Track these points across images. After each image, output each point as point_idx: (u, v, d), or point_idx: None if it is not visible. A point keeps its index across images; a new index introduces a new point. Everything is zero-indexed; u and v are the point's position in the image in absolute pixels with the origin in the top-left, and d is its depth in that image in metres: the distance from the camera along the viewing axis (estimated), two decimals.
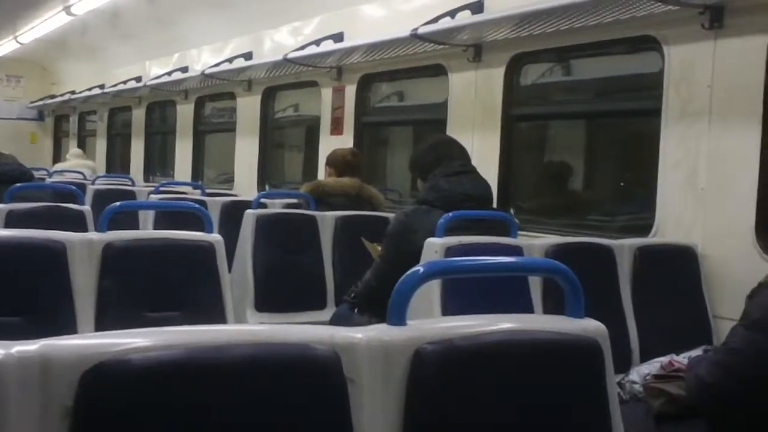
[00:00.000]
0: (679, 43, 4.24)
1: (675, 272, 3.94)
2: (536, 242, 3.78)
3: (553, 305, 3.33)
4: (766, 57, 3.80)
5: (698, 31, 4.07)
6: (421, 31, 5.50)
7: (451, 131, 5.59)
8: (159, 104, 11.15)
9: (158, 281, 2.96)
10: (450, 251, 3.32)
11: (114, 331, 1.36)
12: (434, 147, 3.91)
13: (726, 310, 3.79)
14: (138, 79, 10.71)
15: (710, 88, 4.05)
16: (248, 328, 1.53)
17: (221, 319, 3.03)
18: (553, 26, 4.78)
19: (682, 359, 2.68)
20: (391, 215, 4.40)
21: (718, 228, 4.00)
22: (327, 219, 4.96)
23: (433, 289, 3.23)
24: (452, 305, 3.20)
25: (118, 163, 12.51)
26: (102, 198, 6.42)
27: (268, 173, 8.54)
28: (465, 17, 5.34)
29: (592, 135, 5.68)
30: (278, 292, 4.75)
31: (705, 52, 4.08)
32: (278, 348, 1.39)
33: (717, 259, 3.96)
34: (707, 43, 4.07)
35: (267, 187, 8.31)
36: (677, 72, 4.24)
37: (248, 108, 8.62)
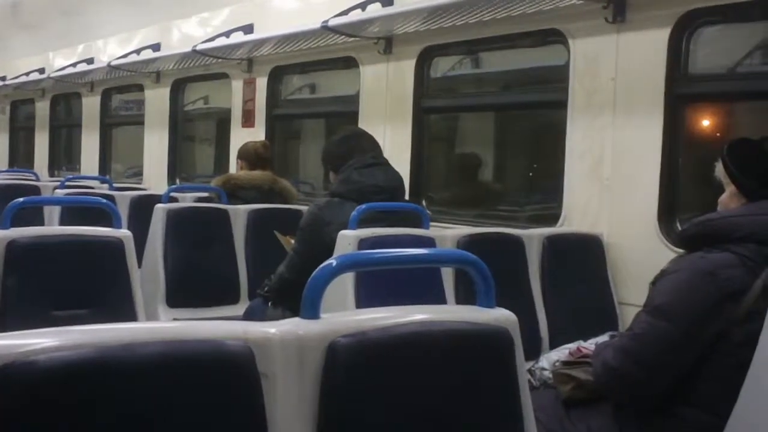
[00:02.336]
0: (583, 36, 4.34)
1: (582, 261, 4.05)
2: (448, 233, 3.82)
3: (465, 295, 3.38)
4: (667, 50, 3.92)
5: (602, 24, 4.18)
6: (331, 23, 5.49)
7: (363, 123, 5.61)
8: (64, 96, 10.83)
9: (65, 279, 2.88)
10: (363, 243, 3.33)
11: (19, 332, 1.32)
12: (346, 139, 3.92)
13: (631, 296, 3.91)
14: (41, 70, 10.37)
15: (614, 81, 4.16)
16: (159, 325, 1.51)
17: (131, 316, 2.97)
18: (462, 19, 4.84)
19: (589, 345, 2.75)
20: (303, 208, 4.38)
21: (622, 217, 4.12)
22: (239, 213, 4.92)
23: (346, 282, 3.24)
24: (366, 297, 3.22)
25: (21, 157, 12.11)
26: (4, 194, 6.18)
27: (178, 167, 8.40)
28: (376, 10, 5.36)
29: (501, 127, 5.77)
30: (190, 288, 4.68)
31: (608, 46, 4.19)
32: (190, 345, 1.37)
33: (622, 247, 4.08)
34: (611, 37, 4.18)
35: (177, 181, 8.18)
36: (582, 65, 4.34)
37: (157, 100, 8.46)
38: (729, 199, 2.54)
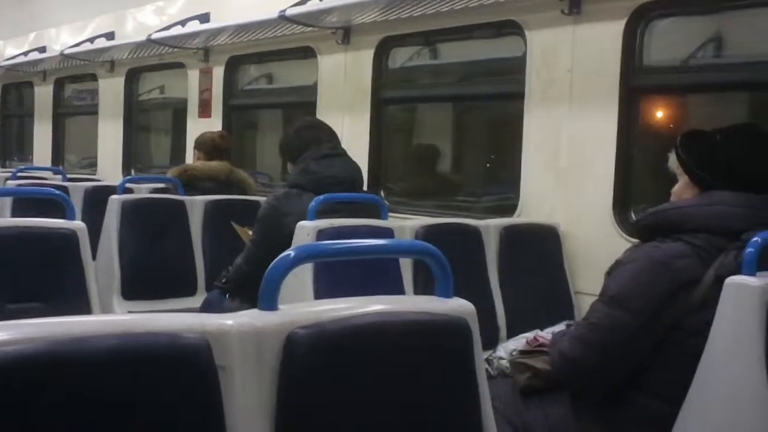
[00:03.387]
0: (540, 28, 4.37)
1: (539, 251, 4.08)
2: (406, 224, 3.83)
3: (424, 286, 3.39)
4: (622, 42, 3.97)
5: (558, 16, 4.21)
6: (289, 12, 5.46)
7: (321, 114, 5.59)
8: (15, 86, 10.65)
9: (17, 272, 2.83)
10: (321, 234, 3.33)
11: None
12: (304, 130, 3.90)
13: (587, 286, 3.96)
14: None
15: (570, 73, 4.20)
16: (113, 318, 1.49)
17: (86, 309, 2.93)
18: (420, 10, 4.84)
19: (546, 334, 2.77)
20: (261, 199, 4.36)
21: (578, 207, 4.17)
22: (196, 204, 4.88)
23: (305, 273, 3.23)
24: (324, 288, 3.21)
25: None
26: None
27: (133, 157, 8.31)
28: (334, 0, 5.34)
29: (459, 118, 5.79)
30: (146, 280, 4.64)
31: (565, 38, 4.22)
32: (145, 338, 1.36)
33: (578, 237, 4.13)
34: (567, 29, 4.21)
35: (133, 172, 8.10)
36: (539, 57, 4.37)
37: (111, 90, 8.35)
38: (682, 190, 2.57)
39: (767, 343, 2.19)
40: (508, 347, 2.90)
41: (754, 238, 2.26)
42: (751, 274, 2.22)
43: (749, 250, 2.24)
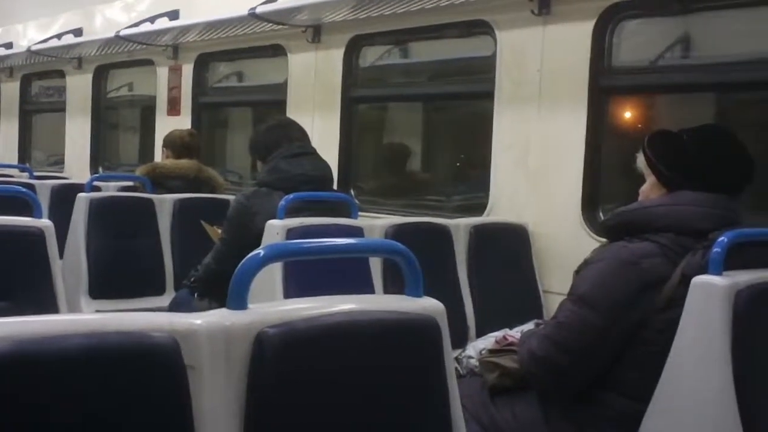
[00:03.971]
0: (510, 28, 4.39)
1: (508, 250, 4.10)
2: (376, 223, 3.83)
3: (393, 285, 3.39)
4: (591, 43, 4.00)
5: (528, 17, 4.23)
6: (259, 10, 5.43)
7: (291, 112, 5.58)
8: None
9: None
10: (291, 233, 3.32)
11: None
12: (274, 128, 3.89)
13: (555, 285, 3.98)
14: None
15: (539, 73, 4.22)
16: (80, 317, 1.47)
17: (53, 308, 2.90)
18: (390, 9, 4.84)
19: (515, 333, 2.78)
20: (231, 198, 4.34)
21: (547, 207, 4.19)
22: (165, 202, 4.85)
23: (274, 272, 3.22)
24: (294, 288, 3.21)
25: None
26: None
27: (101, 155, 8.24)
28: None
29: (430, 117, 5.80)
30: (114, 279, 4.60)
31: (534, 38, 4.24)
32: (113, 337, 1.34)
33: (547, 236, 4.15)
34: (536, 29, 4.23)
35: (101, 170, 8.02)
36: (509, 56, 4.39)
37: (79, 87, 8.26)
38: (649, 190, 2.60)
39: (733, 341, 2.22)
40: (478, 346, 2.91)
41: (721, 238, 2.29)
42: (718, 273, 2.25)
43: (716, 249, 2.27)
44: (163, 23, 6.61)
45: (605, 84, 4.04)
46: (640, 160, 2.63)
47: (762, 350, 2.30)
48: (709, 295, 2.24)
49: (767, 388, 2.31)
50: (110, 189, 5.83)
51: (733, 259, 2.29)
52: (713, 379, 2.23)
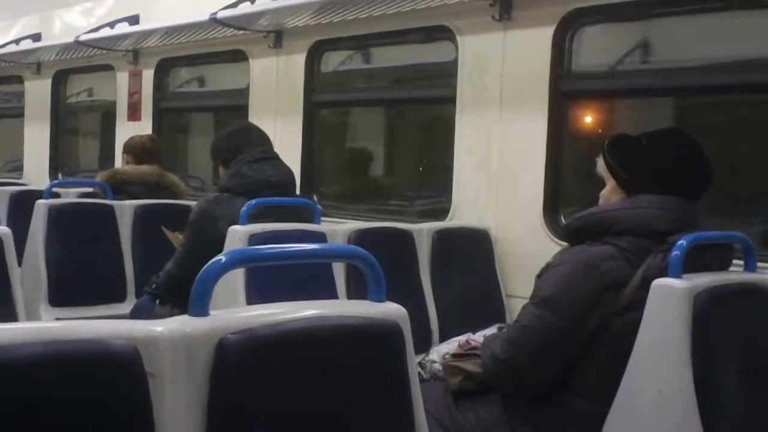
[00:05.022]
0: (471, 33, 4.41)
1: (470, 254, 4.12)
2: (339, 228, 3.83)
3: (356, 290, 3.39)
4: (551, 48, 4.03)
5: (489, 22, 4.25)
6: (220, 15, 5.41)
7: (253, 118, 5.55)
8: None
9: None
10: (254, 239, 3.30)
11: None
12: (235, 133, 3.88)
13: (518, 289, 4.00)
14: None
15: (501, 78, 4.25)
16: (38, 325, 1.45)
17: (11, 316, 2.85)
18: (352, 14, 4.85)
19: (478, 337, 2.79)
20: (192, 203, 4.30)
21: (509, 211, 4.22)
22: (125, 208, 4.80)
23: (237, 278, 3.20)
24: (257, 294, 3.19)
25: None
26: None
27: (61, 161, 8.14)
28: (265, 3, 5.31)
29: (392, 122, 5.82)
30: (74, 286, 4.54)
31: (496, 43, 4.27)
32: (71, 345, 1.32)
33: (509, 240, 4.18)
34: (498, 34, 4.26)
35: (60, 176, 7.93)
36: (470, 61, 4.41)
37: (38, 92, 8.16)
38: (609, 194, 2.62)
39: (693, 343, 2.25)
40: (441, 350, 2.91)
41: (680, 241, 2.32)
42: (677, 276, 2.28)
43: (675, 252, 2.30)
44: (123, 28, 6.55)
45: (565, 89, 4.07)
46: (600, 165, 2.66)
47: (720, 351, 2.34)
48: (669, 297, 2.27)
49: (726, 389, 2.34)
50: (70, 195, 5.75)
51: (692, 262, 2.32)
52: (673, 380, 2.26)
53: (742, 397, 2.37)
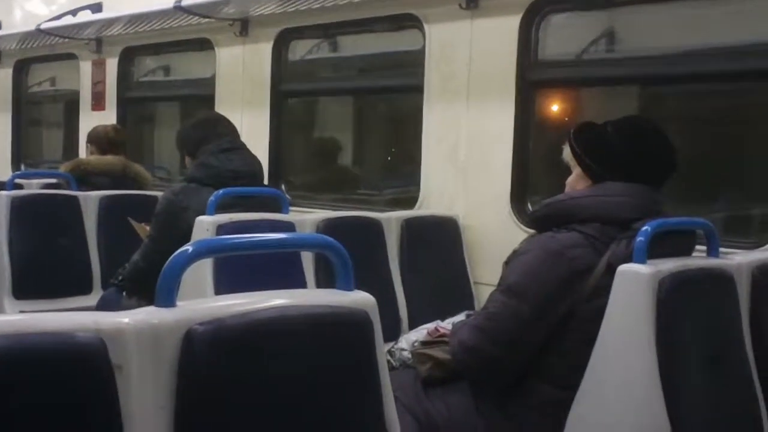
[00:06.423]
0: (438, 22, 4.41)
1: (439, 242, 4.13)
2: (308, 217, 3.82)
3: (325, 279, 3.39)
4: (518, 37, 4.04)
5: (456, 10, 4.26)
6: (184, 3, 5.36)
7: (220, 107, 5.52)
8: None
9: None
10: (221, 229, 3.28)
11: None
12: (202, 123, 3.85)
13: (486, 276, 4.02)
14: None
15: (468, 67, 4.25)
16: (2, 318, 1.42)
17: None
18: (319, 2, 4.83)
19: (446, 325, 2.80)
20: (159, 194, 4.27)
21: (477, 199, 4.23)
22: (90, 199, 4.75)
23: (204, 269, 3.19)
24: (225, 284, 3.17)
25: None
26: None
27: (23, 152, 8.03)
28: None
29: (360, 111, 5.81)
30: (39, 279, 4.49)
31: (463, 32, 4.28)
32: (35, 338, 1.31)
33: (477, 228, 4.19)
34: (465, 23, 4.27)
35: (23, 167, 7.82)
36: (437, 50, 4.41)
37: None
38: (575, 181, 2.64)
39: (657, 328, 2.27)
40: (410, 338, 2.92)
41: (644, 227, 2.34)
42: (642, 261, 2.30)
43: (639, 238, 2.32)
44: (86, 16, 6.47)
45: (532, 77, 4.09)
46: (566, 152, 2.67)
47: (684, 336, 2.36)
48: (634, 283, 2.29)
49: (690, 373, 2.37)
50: (33, 187, 5.68)
51: (657, 248, 2.34)
52: (639, 365, 2.28)
53: (705, 382, 2.40)
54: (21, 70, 7.93)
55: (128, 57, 6.70)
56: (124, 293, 3.86)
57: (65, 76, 7.65)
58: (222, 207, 3.42)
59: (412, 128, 4.60)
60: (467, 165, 4.27)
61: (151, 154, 7.26)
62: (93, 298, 4.45)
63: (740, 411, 2.52)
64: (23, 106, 8.07)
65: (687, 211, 3.13)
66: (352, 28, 5.15)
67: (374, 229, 3.90)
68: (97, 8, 6.52)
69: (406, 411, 2.54)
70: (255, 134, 5.20)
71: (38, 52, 7.48)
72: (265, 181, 4.11)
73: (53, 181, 5.54)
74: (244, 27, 5.52)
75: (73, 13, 6.59)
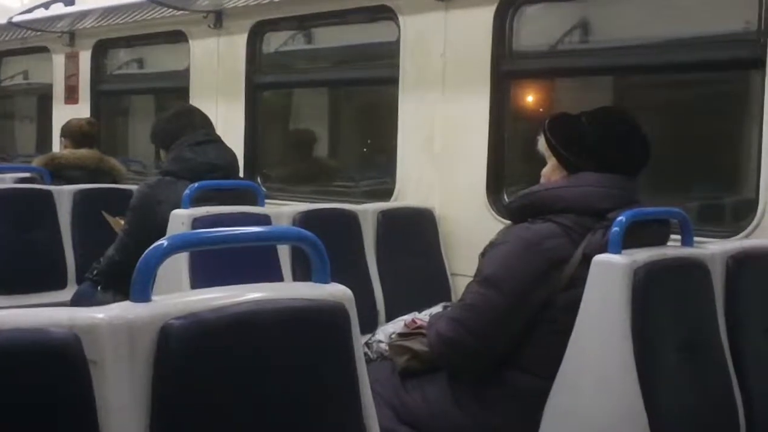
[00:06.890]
0: (413, 13, 4.41)
1: (415, 234, 4.14)
2: (284, 210, 3.81)
3: (302, 272, 3.38)
4: (492, 28, 4.05)
5: (431, 2, 4.26)
6: None
7: (194, 100, 5.49)
8: None
9: None
10: (197, 222, 3.27)
11: None
12: (177, 116, 3.83)
13: (462, 267, 4.04)
14: None
15: (443, 58, 4.26)
16: None
17: None
18: None
19: (423, 316, 2.81)
20: (133, 188, 4.24)
21: (453, 191, 4.24)
22: (64, 193, 4.71)
23: (180, 263, 3.17)
24: (201, 279, 3.16)
25: None
26: None
27: None
28: None
29: (336, 103, 5.79)
30: (12, 274, 4.45)
31: (437, 23, 4.27)
32: (8, 334, 1.29)
33: (453, 220, 4.20)
34: (439, 14, 4.27)
35: None
36: (412, 42, 4.41)
37: None
38: (551, 172, 2.65)
39: (633, 317, 2.29)
40: (387, 330, 2.92)
41: (619, 218, 2.35)
42: (617, 252, 2.32)
43: (614, 229, 2.33)
44: (59, 9, 6.40)
45: (507, 69, 4.10)
46: (541, 143, 2.68)
47: (659, 326, 2.38)
48: (609, 273, 2.31)
49: (665, 363, 2.39)
50: (6, 181, 5.61)
51: (632, 238, 2.36)
52: (615, 355, 2.30)
53: (680, 370, 2.42)
54: None
55: (102, 50, 6.64)
56: (99, 288, 3.84)
57: (38, 69, 7.57)
58: (197, 200, 3.41)
59: (388, 120, 4.60)
60: (443, 156, 4.28)
61: (125, 148, 7.20)
62: (67, 294, 4.41)
63: (715, 399, 2.54)
64: None
65: (662, 201, 3.15)
66: (327, 19, 5.13)
67: (351, 221, 3.90)
68: (69, 1, 6.46)
69: (384, 403, 2.55)
70: (230, 127, 5.18)
71: (10, 45, 7.40)
72: (241, 174, 4.10)
73: (27, 175, 5.47)
74: (218, 19, 5.49)
75: (46, 6, 6.53)
